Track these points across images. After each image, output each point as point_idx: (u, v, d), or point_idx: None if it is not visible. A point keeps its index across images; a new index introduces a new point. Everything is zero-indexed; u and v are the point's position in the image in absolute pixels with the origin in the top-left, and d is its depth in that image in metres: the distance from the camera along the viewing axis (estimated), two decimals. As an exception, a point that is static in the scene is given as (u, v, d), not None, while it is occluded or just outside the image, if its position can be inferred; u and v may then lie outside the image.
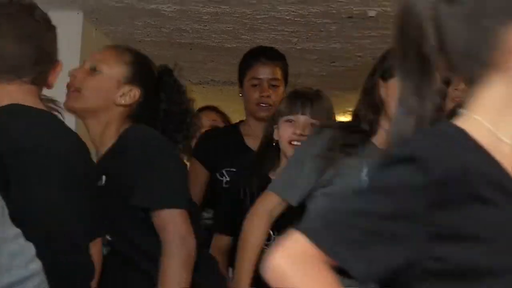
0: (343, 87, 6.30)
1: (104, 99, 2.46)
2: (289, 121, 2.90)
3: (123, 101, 2.47)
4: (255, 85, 3.34)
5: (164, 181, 2.40)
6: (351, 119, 2.78)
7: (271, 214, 2.64)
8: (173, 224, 2.35)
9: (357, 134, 2.61)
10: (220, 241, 2.99)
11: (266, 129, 3.00)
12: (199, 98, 6.93)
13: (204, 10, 4.29)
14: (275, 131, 2.94)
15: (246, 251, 2.62)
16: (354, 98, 7.34)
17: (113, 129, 2.47)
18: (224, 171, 3.30)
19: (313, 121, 2.89)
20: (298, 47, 5.04)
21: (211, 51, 5.17)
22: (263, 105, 3.34)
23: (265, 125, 3.03)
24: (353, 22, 4.42)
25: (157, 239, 2.36)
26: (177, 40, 4.88)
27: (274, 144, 2.94)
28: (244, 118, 3.55)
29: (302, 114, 2.90)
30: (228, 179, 3.27)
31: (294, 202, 2.65)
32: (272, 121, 2.98)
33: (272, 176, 2.92)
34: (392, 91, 2.52)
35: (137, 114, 2.51)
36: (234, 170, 3.25)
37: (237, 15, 4.38)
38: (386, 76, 2.59)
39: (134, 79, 2.49)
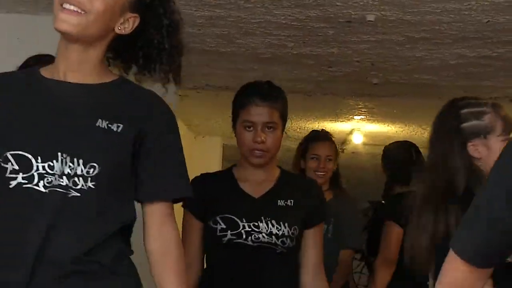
0: (341, 92, 6.23)
1: (106, 26, 2.14)
2: (504, 141, 2.62)
3: (122, 31, 2.18)
4: (248, 127, 2.97)
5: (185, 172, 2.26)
6: None
7: None
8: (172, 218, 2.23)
9: None
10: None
11: (456, 148, 2.67)
12: (194, 103, 6.86)
13: (198, 14, 4.22)
14: (472, 148, 2.66)
15: None
16: (351, 103, 7.27)
17: (95, 57, 2.18)
18: (218, 218, 2.94)
19: None
20: (294, 52, 4.96)
21: (206, 55, 5.09)
22: (258, 152, 2.97)
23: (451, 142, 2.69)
24: (351, 26, 4.35)
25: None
26: (171, 44, 4.80)
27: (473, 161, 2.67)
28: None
29: None
30: (223, 226, 2.93)
31: None
32: (459, 135, 2.68)
33: None
34: None
35: (116, 42, 2.22)
36: (231, 216, 2.93)
37: (232, 19, 4.31)
38: None
39: (136, 5, 2.19)
